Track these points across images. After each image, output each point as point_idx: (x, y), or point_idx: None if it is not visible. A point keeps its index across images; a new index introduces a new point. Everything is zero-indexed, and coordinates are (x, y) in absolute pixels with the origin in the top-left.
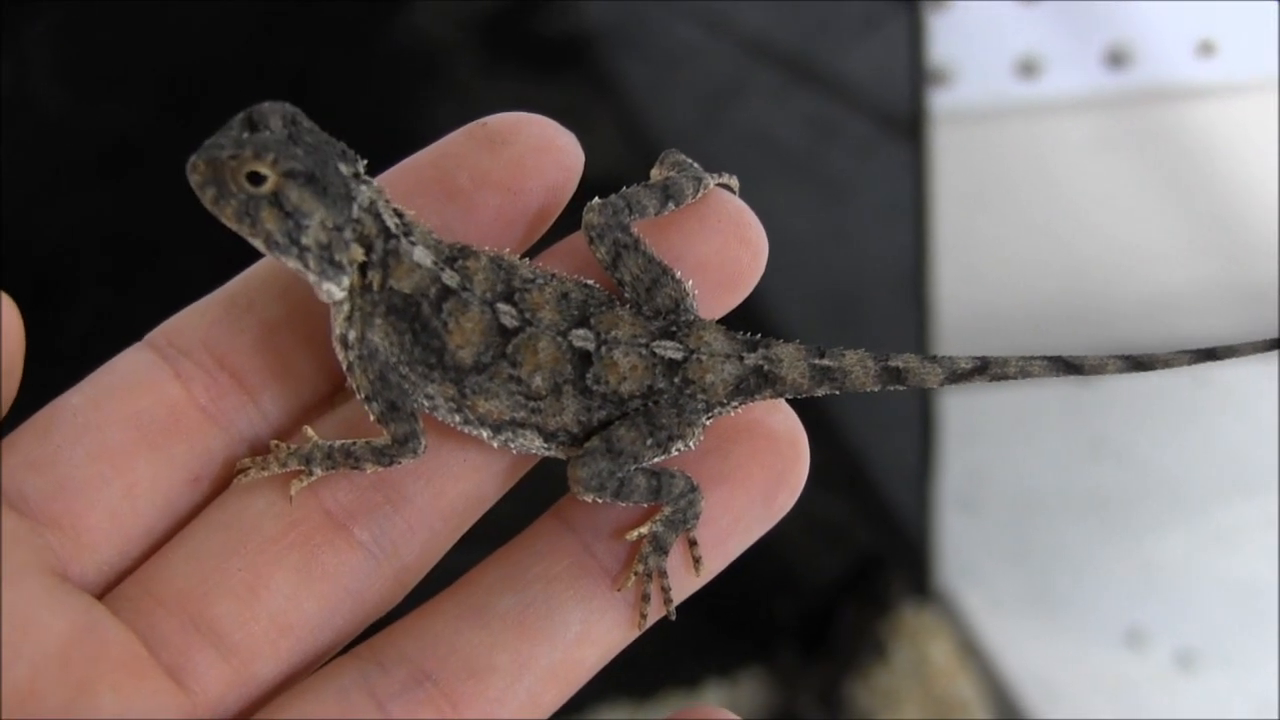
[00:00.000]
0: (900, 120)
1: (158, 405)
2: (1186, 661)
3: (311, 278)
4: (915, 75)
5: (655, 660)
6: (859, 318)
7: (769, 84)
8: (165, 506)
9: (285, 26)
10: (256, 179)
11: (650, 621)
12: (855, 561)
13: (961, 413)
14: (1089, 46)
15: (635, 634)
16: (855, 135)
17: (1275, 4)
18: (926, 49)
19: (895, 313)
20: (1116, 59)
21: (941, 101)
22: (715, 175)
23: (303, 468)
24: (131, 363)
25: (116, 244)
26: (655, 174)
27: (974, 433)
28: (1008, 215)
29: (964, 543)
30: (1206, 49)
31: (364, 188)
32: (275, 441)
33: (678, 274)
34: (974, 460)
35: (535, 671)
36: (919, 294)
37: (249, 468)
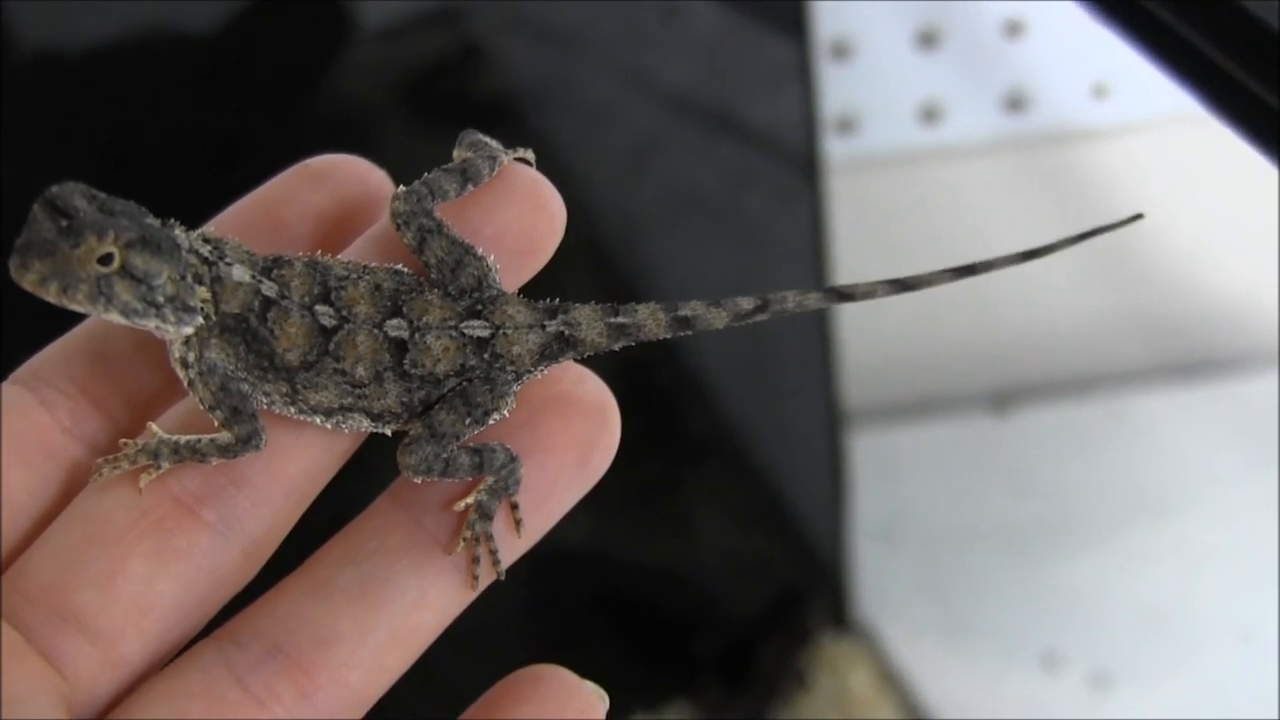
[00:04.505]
0: (807, 168)
1: (28, 429)
2: (1099, 682)
3: (170, 330)
4: (812, 125)
5: None
6: (771, 359)
7: (687, 137)
8: (42, 518)
9: (213, 93)
10: (105, 259)
11: (483, 583)
12: (775, 594)
13: (878, 449)
14: (988, 92)
15: (470, 595)
16: (767, 184)
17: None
18: (827, 99)
19: (803, 354)
20: (1015, 104)
21: (846, 149)
22: (511, 150)
23: (151, 462)
24: None
25: (48, 318)
26: (456, 155)
27: (891, 468)
28: (918, 257)
29: (882, 575)
30: (1100, 92)
31: (177, 231)
32: (123, 440)
33: (479, 252)
34: (891, 494)
35: (377, 636)
36: (823, 337)
37: (102, 467)
